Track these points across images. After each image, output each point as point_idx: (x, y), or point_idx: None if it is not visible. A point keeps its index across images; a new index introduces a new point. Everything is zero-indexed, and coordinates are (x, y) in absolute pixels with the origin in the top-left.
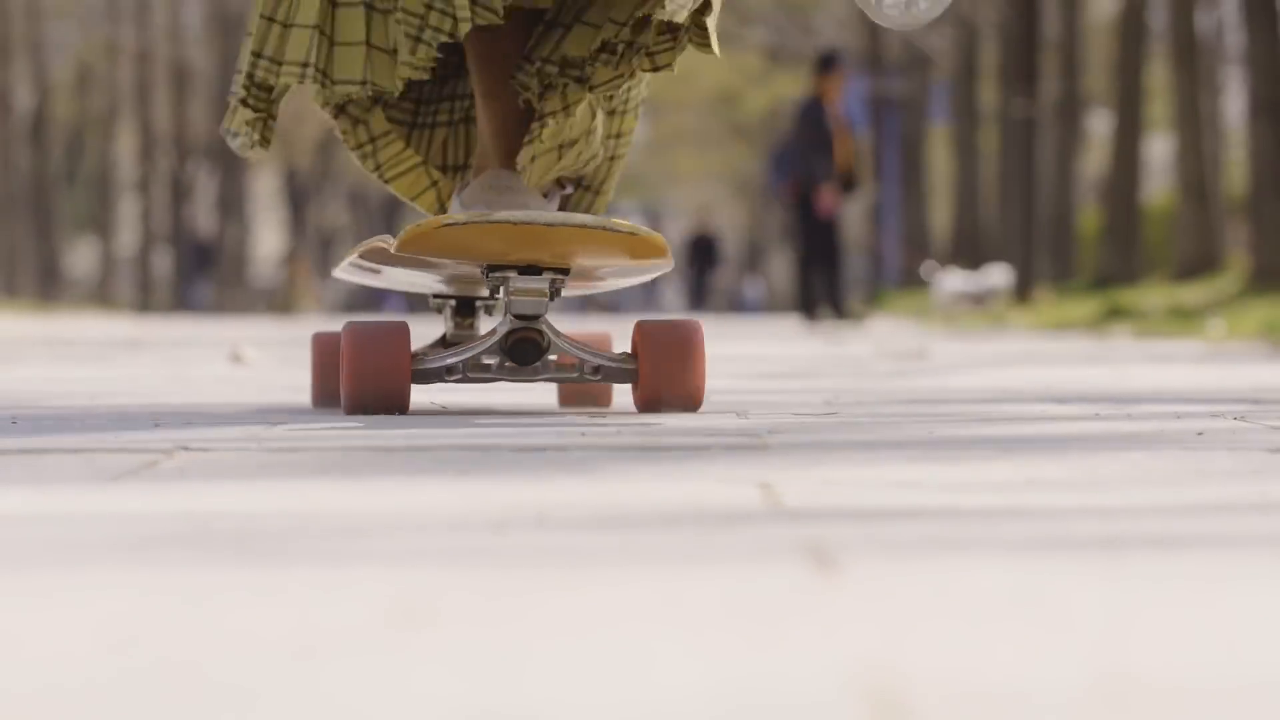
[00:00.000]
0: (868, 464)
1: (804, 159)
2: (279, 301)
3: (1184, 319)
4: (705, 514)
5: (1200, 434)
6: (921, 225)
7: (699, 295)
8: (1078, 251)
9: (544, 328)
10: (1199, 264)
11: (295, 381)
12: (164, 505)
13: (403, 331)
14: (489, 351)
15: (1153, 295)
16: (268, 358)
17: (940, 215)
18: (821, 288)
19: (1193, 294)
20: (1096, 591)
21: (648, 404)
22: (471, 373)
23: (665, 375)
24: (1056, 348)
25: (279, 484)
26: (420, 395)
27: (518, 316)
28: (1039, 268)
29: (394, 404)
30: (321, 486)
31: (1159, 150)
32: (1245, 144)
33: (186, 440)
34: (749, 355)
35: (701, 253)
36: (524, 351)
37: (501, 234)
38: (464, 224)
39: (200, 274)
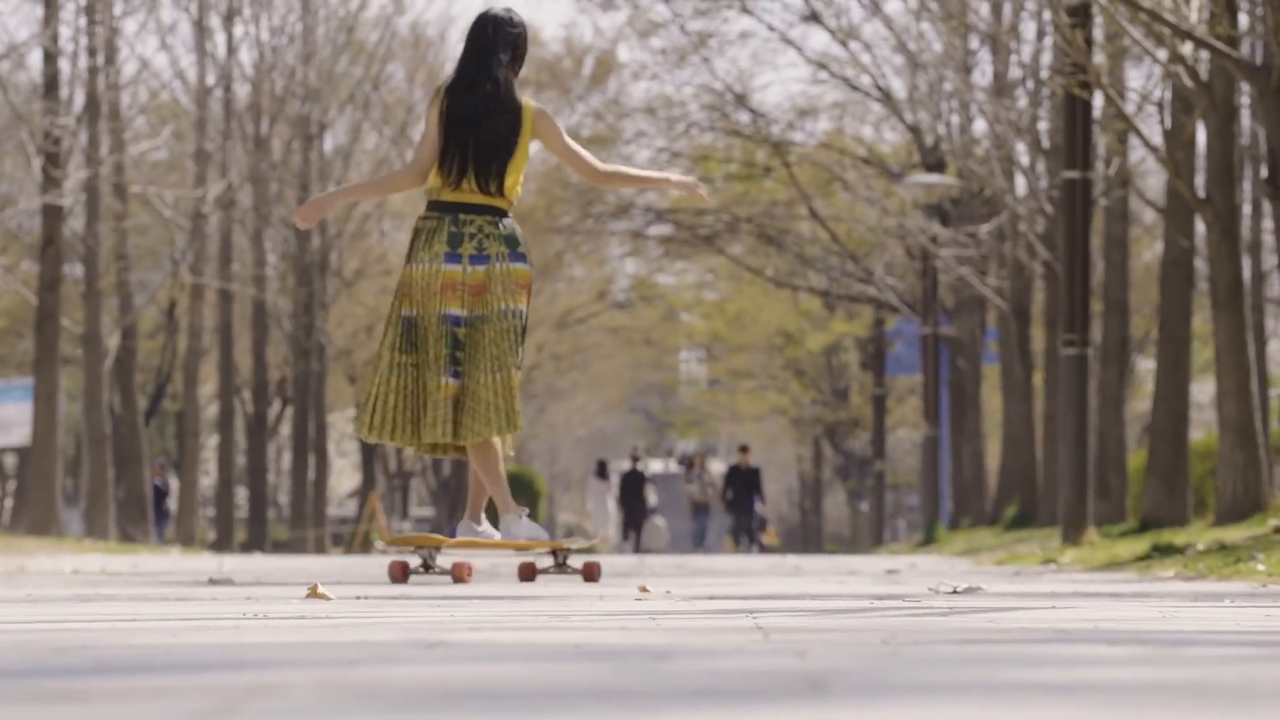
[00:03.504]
0: (928, 707)
1: None
2: (356, 538)
3: (1229, 559)
4: None
5: (1247, 679)
6: (978, 464)
7: (746, 530)
8: (1128, 493)
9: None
10: (1243, 508)
11: (371, 620)
12: None
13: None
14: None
15: (1197, 536)
16: (345, 595)
17: (996, 455)
18: None
19: (1236, 534)
20: None
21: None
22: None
23: None
24: (1106, 587)
25: None
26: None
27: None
28: (1088, 508)
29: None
30: None
31: (1206, 392)
32: None
33: (266, 682)
34: (809, 593)
35: (739, 486)
36: None
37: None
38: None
39: (158, 512)
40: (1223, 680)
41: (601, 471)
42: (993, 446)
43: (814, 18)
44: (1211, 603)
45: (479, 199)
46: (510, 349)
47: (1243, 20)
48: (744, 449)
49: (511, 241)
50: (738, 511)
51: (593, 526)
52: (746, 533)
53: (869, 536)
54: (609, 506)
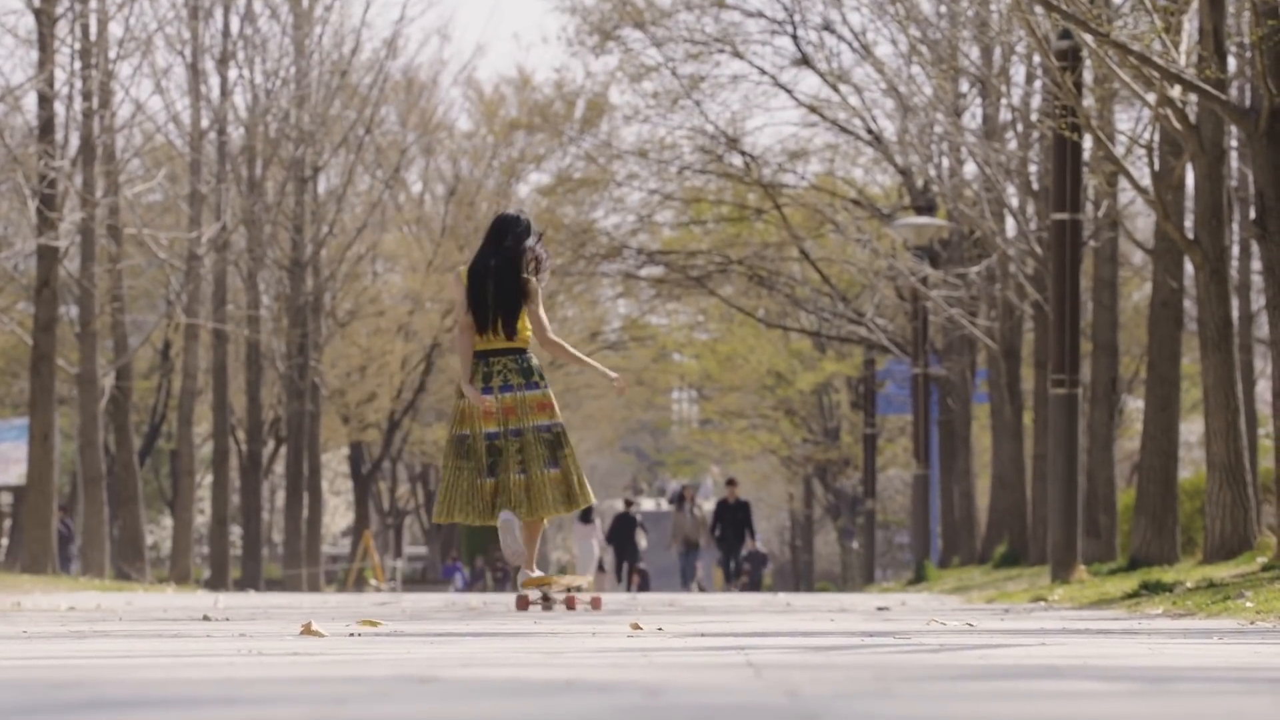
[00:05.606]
0: None
1: None
2: (350, 576)
3: (1217, 596)
4: None
5: (1236, 713)
6: (968, 503)
7: (736, 565)
8: (1117, 532)
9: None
10: (1232, 546)
11: (364, 656)
12: None
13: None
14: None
15: (1186, 573)
16: (338, 631)
17: (985, 494)
18: None
19: (1225, 572)
20: None
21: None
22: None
23: None
24: (1095, 624)
25: None
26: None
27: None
28: (1077, 546)
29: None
30: None
31: (1195, 431)
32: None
33: (260, 718)
34: (800, 630)
35: (727, 521)
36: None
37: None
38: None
39: (64, 553)
40: (1211, 715)
41: (586, 516)
42: (982, 485)
43: (805, 62)
44: (1200, 639)
45: (501, 344)
46: (545, 454)
47: (1231, 64)
48: (731, 483)
49: (526, 373)
50: (725, 547)
51: (579, 568)
52: (735, 567)
53: (860, 574)
54: (594, 549)
